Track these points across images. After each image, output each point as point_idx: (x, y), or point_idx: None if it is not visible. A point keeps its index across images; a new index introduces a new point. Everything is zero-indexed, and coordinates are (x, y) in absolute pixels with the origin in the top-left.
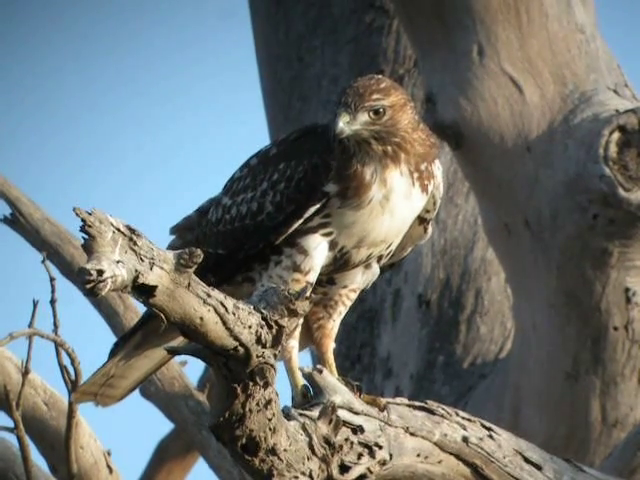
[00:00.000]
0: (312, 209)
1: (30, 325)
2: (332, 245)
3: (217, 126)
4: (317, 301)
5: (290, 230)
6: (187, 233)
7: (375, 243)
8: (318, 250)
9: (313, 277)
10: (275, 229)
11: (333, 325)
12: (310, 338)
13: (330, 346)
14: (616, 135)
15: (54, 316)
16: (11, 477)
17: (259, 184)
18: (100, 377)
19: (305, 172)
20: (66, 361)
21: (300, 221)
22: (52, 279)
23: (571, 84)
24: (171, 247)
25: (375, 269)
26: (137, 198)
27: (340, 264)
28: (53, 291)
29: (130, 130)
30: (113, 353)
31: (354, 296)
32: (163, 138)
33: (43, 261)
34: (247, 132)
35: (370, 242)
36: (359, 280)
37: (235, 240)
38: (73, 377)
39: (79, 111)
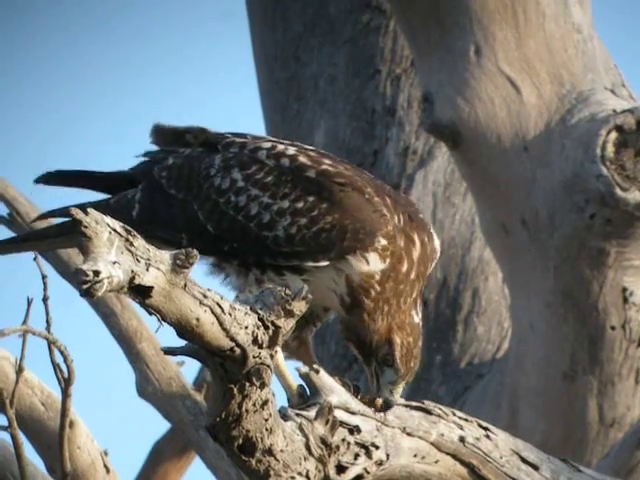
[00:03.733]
0: (318, 264)
1: (24, 323)
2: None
3: (213, 126)
4: None
5: (285, 264)
6: (166, 136)
7: None
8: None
9: None
10: (273, 254)
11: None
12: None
13: (310, 346)
14: (613, 135)
15: (46, 313)
16: (8, 477)
17: (280, 198)
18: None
19: (332, 227)
20: (59, 359)
21: (299, 263)
22: (44, 277)
23: (568, 84)
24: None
25: None
26: None
27: None
28: (45, 289)
29: (128, 131)
30: (21, 238)
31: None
32: None
33: (35, 259)
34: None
35: None
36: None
37: (229, 230)
38: (66, 375)
39: (77, 112)
